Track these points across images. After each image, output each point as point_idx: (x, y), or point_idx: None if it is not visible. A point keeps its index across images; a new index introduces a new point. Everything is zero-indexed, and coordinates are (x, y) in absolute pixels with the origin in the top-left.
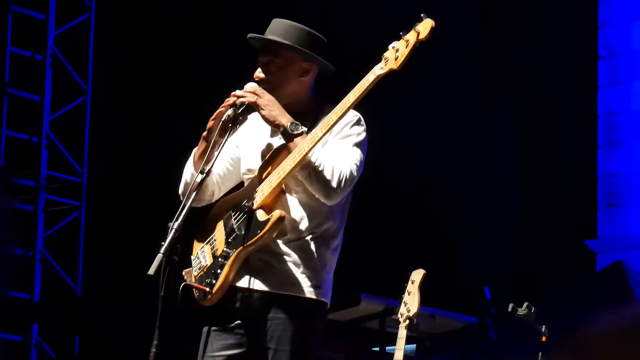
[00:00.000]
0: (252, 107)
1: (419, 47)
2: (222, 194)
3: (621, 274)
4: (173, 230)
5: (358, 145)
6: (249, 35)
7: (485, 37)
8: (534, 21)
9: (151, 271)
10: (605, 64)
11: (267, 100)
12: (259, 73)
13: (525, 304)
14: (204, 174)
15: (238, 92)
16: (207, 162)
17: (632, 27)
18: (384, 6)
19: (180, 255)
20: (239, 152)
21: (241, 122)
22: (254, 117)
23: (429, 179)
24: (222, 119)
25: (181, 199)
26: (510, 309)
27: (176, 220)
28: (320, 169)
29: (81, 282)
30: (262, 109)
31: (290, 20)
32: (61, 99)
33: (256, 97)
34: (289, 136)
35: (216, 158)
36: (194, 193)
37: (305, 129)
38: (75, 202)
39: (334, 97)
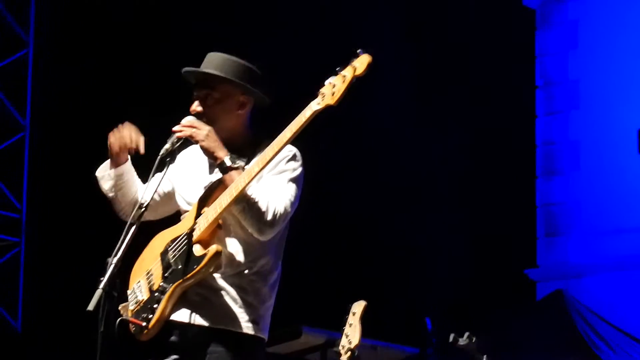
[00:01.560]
0: (189, 140)
1: (356, 83)
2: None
3: (561, 302)
4: (112, 266)
5: (293, 180)
6: (185, 69)
7: (424, 66)
8: (472, 50)
9: (90, 307)
10: (543, 94)
11: (205, 132)
12: (196, 106)
13: (466, 334)
14: (143, 208)
15: (176, 127)
16: (145, 197)
17: (568, 57)
18: (318, 39)
19: (120, 291)
20: (171, 185)
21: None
22: (189, 151)
23: (369, 211)
24: (161, 153)
25: (107, 194)
26: (451, 339)
27: (115, 255)
28: (255, 204)
29: (21, 319)
30: (200, 140)
31: (225, 54)
32: None
33: (194, 129)
34: (225, 169)
35: (155, 191)
36: (133, 227)
37: (242, 163)
38: (15, 238)
39: (270, 131)
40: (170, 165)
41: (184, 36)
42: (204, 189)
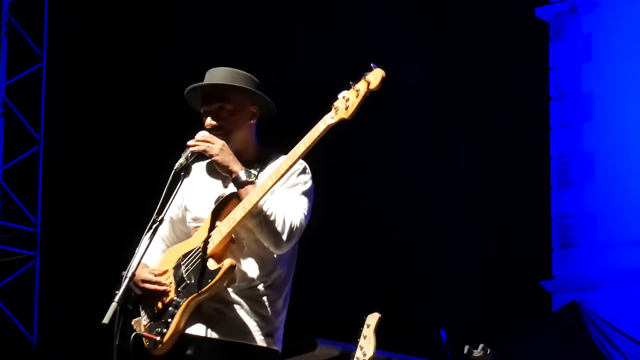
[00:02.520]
0: (202, 155)
1: (370, 97)
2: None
3: (577, 314)
4: (127, 279)
5: (305, 194)
6: (194, 85)
7: (441, 80)
8: (485, 62)
9: (106, 320)
10: (557, 105)
11: (219, 146)
12: (210, 121)
13: (481, 346)
14: (158, 222)
15: (191, 142)
16: (159, 212)
17: (581, 69)
18: (330, 53)
19: (135, 304)
20: (185, 202)
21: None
22: (199, 166)
23: (385, 223)
24: (175, 168)
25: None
26: (466, 351)
27: (129, 269)
28: (271, 218)
29: (36, 332)
30: (215, 155)
31: (227, 67)
32: (13, 148)
33: (207, 144)
34: (241, 184)
35: (169, 206)
36: (149, 241)
37: (255, 174)
38: (30, 251)
39: (279, 145)
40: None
41: (198, 50)
42: (215, 203)
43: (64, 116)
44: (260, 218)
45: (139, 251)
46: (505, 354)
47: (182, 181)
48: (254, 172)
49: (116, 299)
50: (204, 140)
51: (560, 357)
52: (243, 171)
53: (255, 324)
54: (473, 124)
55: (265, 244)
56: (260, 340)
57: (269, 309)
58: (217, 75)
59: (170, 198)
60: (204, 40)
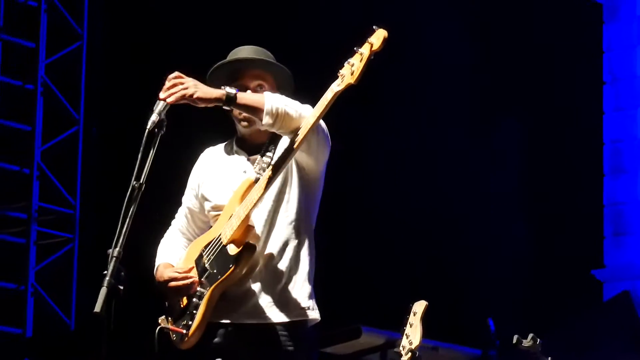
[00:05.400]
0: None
1: (374, 59)
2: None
3: (628, 303)
4: (113, 259)
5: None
6: (239, 57)
7: (490, 62)
8: (539, 46)
9: (97, 308)
10: (611, 90)
11: (192, 83)
12: None
13: (530, 336)
14: (137, 188)
15: (162, 94)
16: (138, 177)
17: (636, 53)
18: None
19: (127, 283)
20: (201, 190)
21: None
22: (212, 152)
23: (432, 209)
24: (148, 127)
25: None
26: (514, 340)
27: (115, 246)
28: (284, 111)
29: (74, 316)
30: (195, 94)
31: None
32: (53, 128)
33: (180, 87)
34: (233, 97)
35: (148, 169)
36: (132, 208)
37: (270, 158)
38: (68, 234)
39: None
40: (199, 166)
41: (237, 27)
42: (233, 189)
43: (105, 96)
44: (273, 117)
45: (122, 224)
46: (555, 344)
47: (157, 140)
48: (269, 153)
49: (105, 282)
50: (173, 85)
51: (611, 347)
52: (224, 88)
53: (280, 303)
54: (523, 109)
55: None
56: (289, 316)
57: (295, 286)
58: (253, 53)
59: (147, 161)
60: (244, 17)
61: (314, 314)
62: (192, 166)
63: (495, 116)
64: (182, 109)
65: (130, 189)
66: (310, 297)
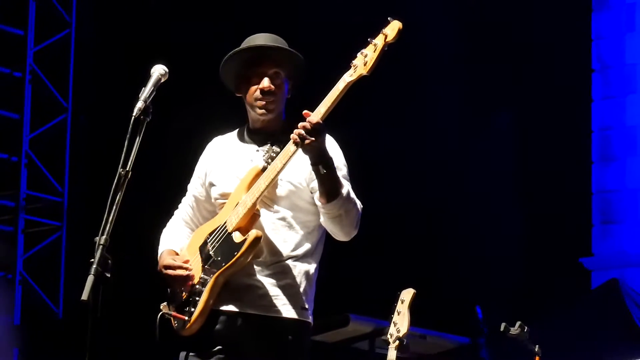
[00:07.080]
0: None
1: (388, 50)
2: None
3: (616, 292)
4: (100, 247)
5: (345, 177)
6: (257, 43)
7: (479, 52)
8: (528, 35)
9: (84, 296)
10: (600, 78)
11: (323, 139)
12: (269, 83)
13: (518, 324)
14: (125, 174)
15: (299, 133)
16: (124, 164)
17: (625, 40)
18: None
19: (114, 270)
20: (208, 178)
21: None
22: (220, 141)
23: (419, 197)
24: (134, 114)
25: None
26: (502, 328)
27: (102, 234)
28: (354, 207)
29: (62, 304)
30: (320, 148)
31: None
32: (41, 116)
33: (318, 140)
34: (331, 167)
35: (134, 155)
36: (118, 195)
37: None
38: (56, 222)
39: (299, 110)
40: (207, 154)
41: (227, 17)
42: (240, 177)
43: (93, 84)
44: (343, 201)
45: (109, 212)
46: (542, 332)
47: (143, 127)
48: (280, 144)
49: (92, 270)
50: (314, 131)
51: (599, 335)
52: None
53: (285, 297)
54: (513, 98)
55: (338, 233)
56: (291, 313)
57: (298, 281)
58: (270, 40)
59: (133, 148)
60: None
61: (311, 318)
62: (199, 156)
63: (486, 108)
64: (185, 101)
65: (116, 177)
66: (312, 301)
